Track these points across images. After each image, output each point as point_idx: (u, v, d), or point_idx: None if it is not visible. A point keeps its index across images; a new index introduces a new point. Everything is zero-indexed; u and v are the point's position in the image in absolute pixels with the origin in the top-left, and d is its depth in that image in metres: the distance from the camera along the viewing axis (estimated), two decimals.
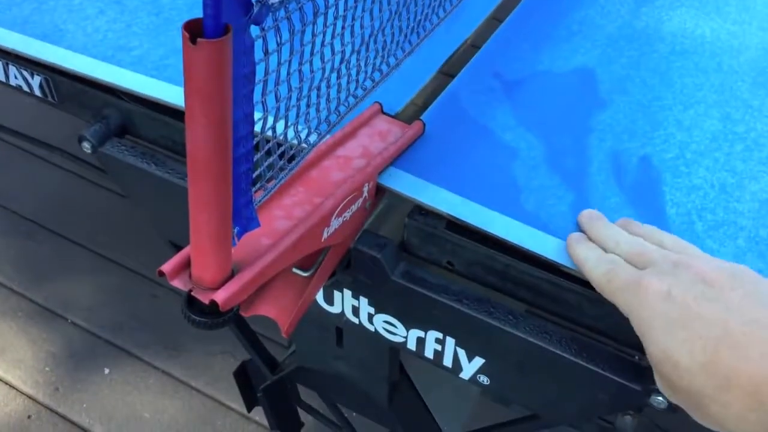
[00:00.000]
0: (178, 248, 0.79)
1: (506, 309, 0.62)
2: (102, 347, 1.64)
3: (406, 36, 0.66)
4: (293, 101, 0.53)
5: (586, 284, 0.56)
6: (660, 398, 0.56)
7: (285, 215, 0.57)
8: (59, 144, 1.38)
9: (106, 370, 1.60)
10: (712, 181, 0.66)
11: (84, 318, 1.68)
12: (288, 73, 0.50)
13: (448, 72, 0.78)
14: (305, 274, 0.62)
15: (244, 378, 0.98)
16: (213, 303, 0.49)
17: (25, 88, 0.82)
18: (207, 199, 0.45)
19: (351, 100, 0.62)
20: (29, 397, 1.55)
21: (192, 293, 0.50)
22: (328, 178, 0.61)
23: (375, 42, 0.61)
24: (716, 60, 0.80)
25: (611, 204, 0.63)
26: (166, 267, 0.50)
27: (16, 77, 0.81)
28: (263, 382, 0.93)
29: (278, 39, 0.47)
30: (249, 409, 1.04)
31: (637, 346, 0.58)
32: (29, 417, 1.53)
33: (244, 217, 0.51)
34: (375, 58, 0.62)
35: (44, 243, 1.83)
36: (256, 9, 0.42)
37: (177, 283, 0.50)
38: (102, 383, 1.58)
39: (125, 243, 1.82)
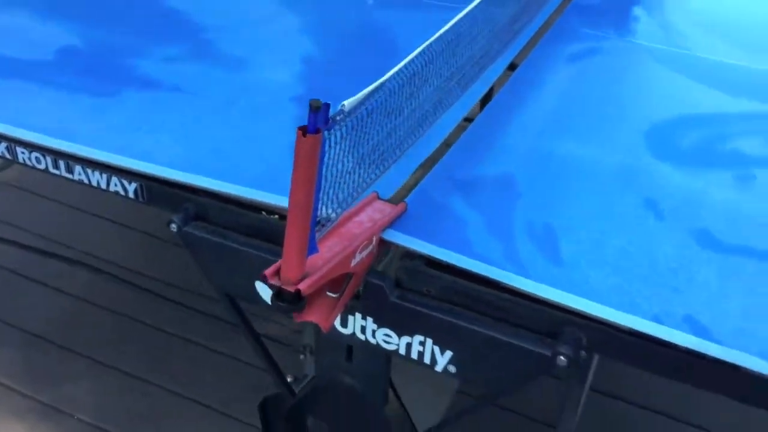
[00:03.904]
0: (231, 299, 1.12)
1: (467, 316, 0.97)
2: None
3: (400, 143, 1.06)
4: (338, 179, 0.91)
5: (516, 293, 0.93)
6: (562, 357, 0.90)
7: (329, 249, 0.93)
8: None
9: None
10: None
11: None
12: (340, 160, 0.88)
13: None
14: (335, 296, 0.97)
15: (265, 412, 1.27)
16: (296, 293, 0.83)
17: (122, 192, 1.17)
18: (298, 229, 0.81)
19: (364, 184, 1.00)
20: None
21: (282, 287, 0.84)
22: (352, 232, 0.97)
23: (380, 146, 1.00)
24: None
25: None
26: (268, 272, 0.84)
27: (115, 185, 1.16)
28: (281, 413, 1.22)
29: (336, 138, 0.86)
30: None
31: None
32: None
33: (310, 246, 0.87)
34: (379, 156, 1.01)
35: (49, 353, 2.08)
36: (330, 121, 0.81)
37: (273, 281, 0.84)
38: None
39: (122, 352, 2.08)
